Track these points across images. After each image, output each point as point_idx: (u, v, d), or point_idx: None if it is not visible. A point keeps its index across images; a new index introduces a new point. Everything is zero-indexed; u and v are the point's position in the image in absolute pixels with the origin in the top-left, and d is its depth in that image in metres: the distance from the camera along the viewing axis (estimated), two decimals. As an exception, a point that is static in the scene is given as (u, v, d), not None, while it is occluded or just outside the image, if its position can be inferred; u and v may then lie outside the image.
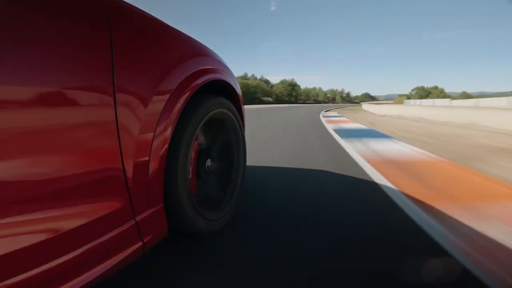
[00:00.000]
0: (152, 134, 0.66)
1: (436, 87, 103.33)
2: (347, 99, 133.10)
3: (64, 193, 0.49)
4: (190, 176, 0.85)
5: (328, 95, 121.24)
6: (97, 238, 0.53)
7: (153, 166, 0.66)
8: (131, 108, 0.60)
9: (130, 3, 0.68)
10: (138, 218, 0.63)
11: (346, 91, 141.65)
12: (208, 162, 1.05)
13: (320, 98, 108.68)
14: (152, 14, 0.75)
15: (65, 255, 0.48)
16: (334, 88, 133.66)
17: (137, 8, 0.70)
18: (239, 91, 1.27)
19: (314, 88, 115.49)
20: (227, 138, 1.16)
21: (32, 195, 0.45)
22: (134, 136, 0.61)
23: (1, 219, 0.41)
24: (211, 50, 1.08)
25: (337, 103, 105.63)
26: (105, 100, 0.54)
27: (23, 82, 0.43)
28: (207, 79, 0.91)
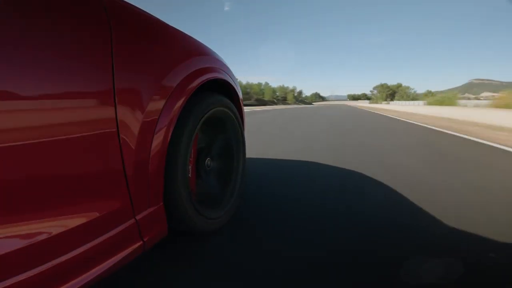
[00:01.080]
0: (152, 133, 0.66)
1: (400, 85, 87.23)
2: (300, 99, 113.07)
3: (64, 192, 0.49)
4: (189, 175, 0.85)
5: (277, 93, 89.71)
6: (98, 237, 0.53)
7: (153, 164, 0.66)
8: (131, 107, 0.60)
9: (130, 2, 0.67)
10: (138, 217, 0.63)
11: (298, 89, 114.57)
12: (208, 161, 1.05)
13: (266, 98, 75.50)
14: (152, 14, 0.75)
15: (65, 254, 0.48)
16: (285, 85, 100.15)
17: (136, 7, 0.70)
18: (239, 91, 1.28)
19: (259, 84, 77.17)
20: (227, 137, 1.16)
21: (33, 194, 0.44)
22: (134, 135, 0.61)
23: (1, 219, 0.41)
24: (211, 50, 1.08)
25: (289, 103, 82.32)
26: (105, 99, 0.54)
27: (22, 82, 0.43)
28: (207, 78, 0.91)
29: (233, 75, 1.24)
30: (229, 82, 1.14)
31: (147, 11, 0.73)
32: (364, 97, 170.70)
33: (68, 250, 0.48)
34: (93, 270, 0.52)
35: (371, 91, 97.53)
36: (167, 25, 0.81)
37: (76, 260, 0.49)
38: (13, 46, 0.42)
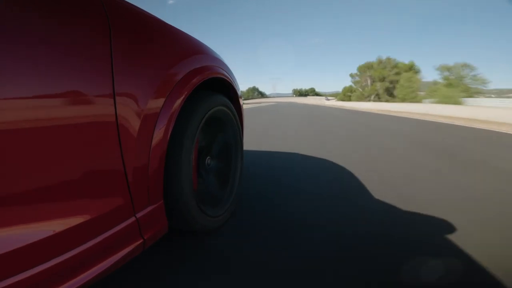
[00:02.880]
0: (152, 131, 0.66)
1: (412, 65, 32.29)
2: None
3: (64, 191, 0.49)
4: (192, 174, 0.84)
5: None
6: (98, 236, 0.53)
7: (153, 162, 0.66)
8: (131, 105, 0.60)
9: (129, 2, 0.67)
10: (138, 215, 0.63)
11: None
12: (208, 160, 1.05)
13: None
14: (152, 13, 0.75)
15: (66, 252, 0.48)
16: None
17: (136, 6, 0.69)
18: (238, 89, 1.28)
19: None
20: (227, 136, 1.16)
21: (33, 193, 0.44)
22: (133, 133, 0.60)
23: (2, 218, 0.41)
24: (211, 49, 1.08)
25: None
26: (104, 97, 0.54)
27: (21, 82, 0.42)
28: (207, 76, 0.91)
29: (232, 73, 1.25)
30: (228, 81, 1.14)
31: (151, 11, 0.73)
32: (313, 92, 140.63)
33: (69, 249, 0.48)
34: (94, 269, 0.52)
35: (352, 75, 42.42)
36: (166, 23, 0.81)
37: (76, 258, 0.49)
38: (11, 45, 0.42)
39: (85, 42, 0.52)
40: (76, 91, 0.49)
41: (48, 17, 0.47)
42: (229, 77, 1.17)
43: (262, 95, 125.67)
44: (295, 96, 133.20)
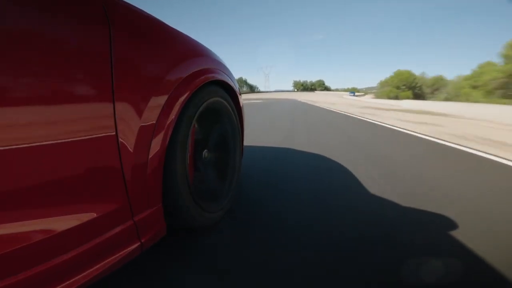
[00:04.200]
0: (151, 134, 0.66)
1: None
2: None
3: (62, 193, 0.49)
4: (188, 171, 0.83)
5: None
6: (95, 238, 0.54)
7: (151, 166, 0.66)
8: (130, 108, 0.60)
9: (130, 3, 0.67)
10: (136, 218, 0.64)
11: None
12: (205, 153, 1.04)
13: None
14: (152, 14, 0.74)
15: (63, 254, 0.48)
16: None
17: (136, 7, 0.69)
18: (237, 90, 1.29)
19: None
20: (224, 129, 1.15)
21: (30, 194, 0.45)
22: (132, 136, 0.61)
23: (1, 219, 0.41)
24: (210, 50, 1.07)
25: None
26: (103, 100, 0.54)
27: (20, 82, 0.42)
28: (207, 79, 0.91)
29: (232, 75, 1.25)
30: (228, 83, 1.14)
31: (151, 11, 0.73)
32: (322, 86, 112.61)
33: (66, 250, 0.49)
34: (90, 270, 0.53)
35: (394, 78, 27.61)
36: (167, 25, 0.80)
37: (73, 260, 0.50)
38: (10, 45, 0.42)
39: (85, 43, 0.52)
40: (76, 92, 0.49)
41: (48, 17, 0.47)
42: (229, 79, 1.16)
43: (252, 89, 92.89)
44: (297, 90, 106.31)
